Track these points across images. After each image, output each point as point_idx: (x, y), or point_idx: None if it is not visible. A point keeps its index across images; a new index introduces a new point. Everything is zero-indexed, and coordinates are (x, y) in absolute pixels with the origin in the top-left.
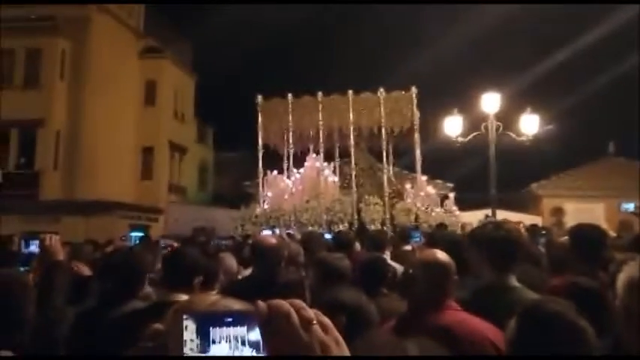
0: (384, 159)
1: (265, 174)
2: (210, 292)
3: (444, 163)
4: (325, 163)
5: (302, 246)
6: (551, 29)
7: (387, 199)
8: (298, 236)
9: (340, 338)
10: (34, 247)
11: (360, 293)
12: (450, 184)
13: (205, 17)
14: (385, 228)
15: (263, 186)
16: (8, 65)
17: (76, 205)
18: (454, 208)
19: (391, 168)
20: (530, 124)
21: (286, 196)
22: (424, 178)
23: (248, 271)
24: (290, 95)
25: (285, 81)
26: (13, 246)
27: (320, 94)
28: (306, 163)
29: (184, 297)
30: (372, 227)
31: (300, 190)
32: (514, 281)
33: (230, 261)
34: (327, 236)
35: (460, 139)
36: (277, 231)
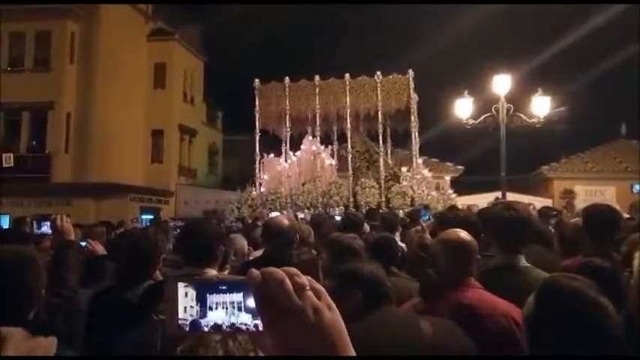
0: (380, 142)
1: (262, 157)
2: (222, 272)
3: (454, 145)
4: (323, 146)
5: (312, 227)
6: (562, 9)
7: (382, 182)
8: (301, 215)
9: (333, 304)
10: (45, 228)
11: (378, 266)
12: (461, 167)
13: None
14: (381, 211)
15: (260, 169)
16: (18, 48)
17: (87, 187)
18: (450, 191)
19: (389, 151)
20: (541, 106)
21: (283, 179)
22: (420, 160)
23: (259, 252)
24: (287, 79)
25: (292, 64)
26: (26, 227)
27: (317, 77)
28: (302, 147)
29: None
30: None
31: (296, 173)
32: (523, 261)
33: (241, 242)
34: (337, 218)
35: (471, 121)
36: (286, 213)
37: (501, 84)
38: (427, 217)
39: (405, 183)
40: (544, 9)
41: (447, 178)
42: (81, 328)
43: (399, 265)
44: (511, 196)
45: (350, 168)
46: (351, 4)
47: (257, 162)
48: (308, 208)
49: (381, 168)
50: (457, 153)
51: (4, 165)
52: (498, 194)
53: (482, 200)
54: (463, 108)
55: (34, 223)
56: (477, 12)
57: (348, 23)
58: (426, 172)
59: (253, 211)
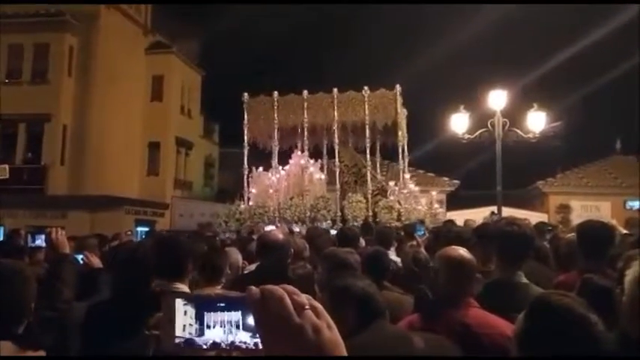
0: (368, 156)
1: (251, 171)
2: (216, 286)
3: (450, 159)
4: (312, 160)
5: (307, 241)
6: (557, 25)
7: (370, 196)
8: (302, 232)
9: (332, 322)
10: (39, 241)
11: (370, 282)
12: (457, 181)
13: (212, 15)
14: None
15: (248, 183)
16: (17, 60)
17: (83, 199)
18: (436, 205)
19: (378, 164)
20: (536, 121)
21: (271, 192)
22: (408, 175)
23: (253, 266)
24: (276, 93)
25: (289, 79)
26: (20, 239)
27: (305, 92)
28: (290, 161)
29: (183, 286)
30: (355, 224)
31: (284, 187)
32: (523, 278)
33: (236, 255)
34: (333, 232)
35: (467, 135)
36: (280, 226)
37: (497, 99)
38: (422, 233)
39: (392, 197)
40: (541, 24)
41: (434, 193)
42: (75, 341)
43: (391, 279)
44: (507, 211)
45: (338, 182)
46: (347, 18)
47: (245, 176)
48: (296, 222)
49: (369, 182)
50: (453, 167)
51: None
52: (494, 209)
53: (478, 215)
54: (459, 123)
55: (29, 235)
56: (474, 26)
57: (342, 37)
58: (412, 186)
59: (241, 224)
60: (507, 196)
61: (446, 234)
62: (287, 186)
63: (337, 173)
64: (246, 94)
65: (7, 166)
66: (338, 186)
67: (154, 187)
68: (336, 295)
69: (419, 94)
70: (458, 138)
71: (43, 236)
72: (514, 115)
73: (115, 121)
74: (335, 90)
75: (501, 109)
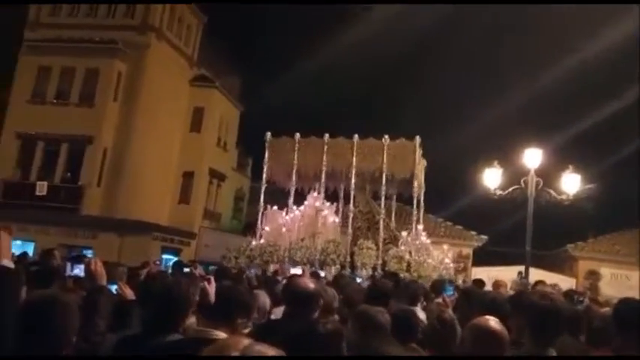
0: (382, 204)
1: (266, 208)
2: (244, 329)
3: (480, 214)
4: (328, 203)
5: (336, 290)
6: (597, 87)
7: (381, 244)
8: (322, 273)
9: None
10: (78, 271)
11: (400, 348)
12: (484, 237)
13: (256, 54)
14: (376, 273)
15: (262, 220)
16: (67, 82)
17: (113, 222)
18: (447, 260)
19: (393, 212)
20: (571, 183)
21: (283, 231)
22: (421, 227)
23: (279, 310)
24: (297, 134)
25: (321, 122)
26: (54, 260)
27: (327, 135)
28: (306, 202)
29: (222, 335)
30: (364, 271)
31: (297, 227)
32: (553, 353)
33: (264, 299)
34: (358, 279)
35: (499, 192)
36: (304, 269)
37: (532, 157)
38: (452, 293)
39: (403, 248)
40: (582, 85)
41: (445, 247)
42: None
43: (420, 339)
44: (534, 272)
45: (350, 227)
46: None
47: (260, 213)
48: (304, 264)
49: (381, 230)
50: (482, 223)
51: (37, 193)
52: (521, 268)
53: (504, 273)
54: (492, 178)
55: (67, 263)
56: (515, 84)
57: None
58: (424, 238)
59: (251, 261)
60: (536, 257)
61: (480, 298)
62: (300, 226)
63: (350, 218)
64: (269, 133)
65: (45, 184)
66: (350, 231)
67: (184, 216)
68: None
69: (455, 147)
70: (490, 193)
71: (81, 266)
72: (548, 174)
73: (154, 147)
74: (356, 136)
75: (535, 168)
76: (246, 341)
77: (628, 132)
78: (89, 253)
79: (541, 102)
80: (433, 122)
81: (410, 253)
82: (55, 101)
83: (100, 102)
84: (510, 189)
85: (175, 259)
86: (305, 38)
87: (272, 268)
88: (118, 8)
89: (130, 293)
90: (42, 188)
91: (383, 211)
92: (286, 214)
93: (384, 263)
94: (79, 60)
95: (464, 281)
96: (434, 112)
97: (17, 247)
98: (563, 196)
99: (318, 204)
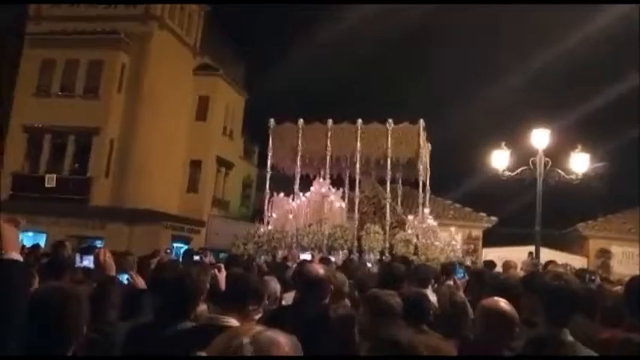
0: (388, 189)
1: (272, 195)
2: (255, 316)
3: (489, 196)
4: (334, 189)
5: (345, 274)
6: (605, 66)
7: (388, 228)
8: (332, 258)
9: None
10: (87, 262)
11: (412, 333)
12: (494, 218)
13: (259, 41)
14: (384, 257)
15: (269, 207)
16: (71, 75)
17: (123, 212)
18: (454, 242)
19: (399, 196)
20: (579, 163)
21: (290, 218)
22: (427, 210)
23: (289, 295)
24: (301, 120)
25: (327, 108)
26: (65, 251)
27: (330, 121)
28: (312, 188)
29: (234, 322)
30: (371, 255)
31: (304, 214)
32: (568, 335)
33: (274, 285)
34: (369, 265)
35: (507, 173)
36: (314, 255)
37: (540, 138)
38: (462, 276)
39: (410, 231)
40: (589, 65)
41: (452, 229)
42: None
43: (431, 322)
44: (545, 252)
45: (357, 212)
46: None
47: (267, 200)
48: (312, 249)
49: (388, 214)
50: (492, 204)
51: (47, 185)
52: (531, 248)
53: (514, 253)
54: (500, 159)
55: (77, 255)
56: (522, 65)
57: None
58: (431, 221)
59: (259, 247)
60: (546, 237)
61: (492, 280)
62: (306, 212)
63: (356, 203)
64: (272, 119)
65: (54, 176)
66: (357, 216)
67: (193, 204)
68: (381, 347)
69: (462, 130)
70: (498, 175)
71: (91, 257)
72: (557, 154)
73: (160, 137)
74: (359, 121)
75: (544, 149)
76: (257, 328)
77: (637, 109)
78: (99, 244)
79: (548, 82)
80: (440, 105)
81: (417, 236)
82: (60, 94)
83: (104, 93)
84: (519, 170)
85: (185, 247)
86: (307, 24)
87: (280, 254)
88: None
89: (141, 283)
90: (51, 180)
91: (389, 195)
92: (293, 200)
93: (392, 247)
94: (82, 52)
95: (473, 262)
96: (440, 95)
97: (29, 238)
98: (573, 176)
99: (324, 190)
